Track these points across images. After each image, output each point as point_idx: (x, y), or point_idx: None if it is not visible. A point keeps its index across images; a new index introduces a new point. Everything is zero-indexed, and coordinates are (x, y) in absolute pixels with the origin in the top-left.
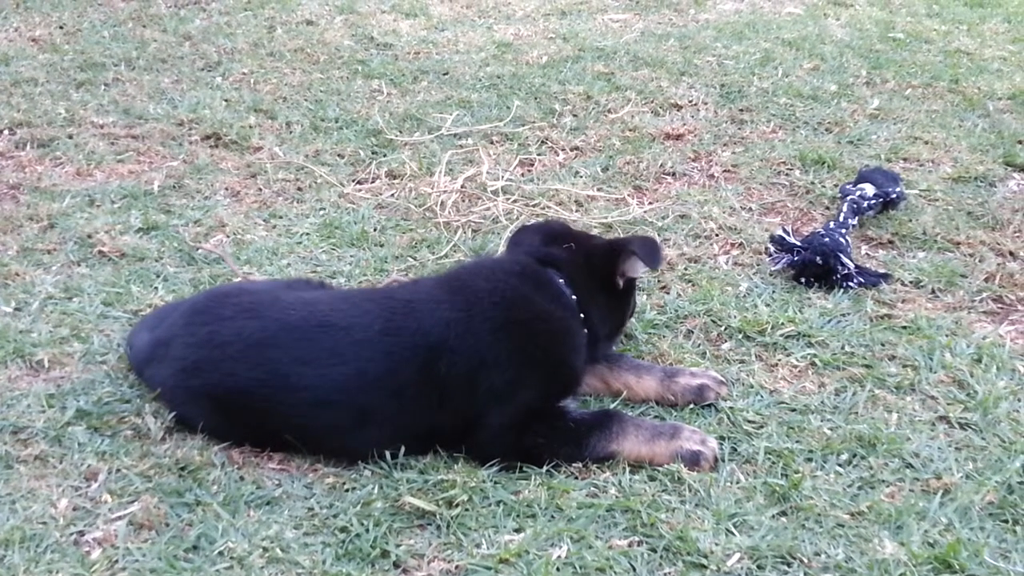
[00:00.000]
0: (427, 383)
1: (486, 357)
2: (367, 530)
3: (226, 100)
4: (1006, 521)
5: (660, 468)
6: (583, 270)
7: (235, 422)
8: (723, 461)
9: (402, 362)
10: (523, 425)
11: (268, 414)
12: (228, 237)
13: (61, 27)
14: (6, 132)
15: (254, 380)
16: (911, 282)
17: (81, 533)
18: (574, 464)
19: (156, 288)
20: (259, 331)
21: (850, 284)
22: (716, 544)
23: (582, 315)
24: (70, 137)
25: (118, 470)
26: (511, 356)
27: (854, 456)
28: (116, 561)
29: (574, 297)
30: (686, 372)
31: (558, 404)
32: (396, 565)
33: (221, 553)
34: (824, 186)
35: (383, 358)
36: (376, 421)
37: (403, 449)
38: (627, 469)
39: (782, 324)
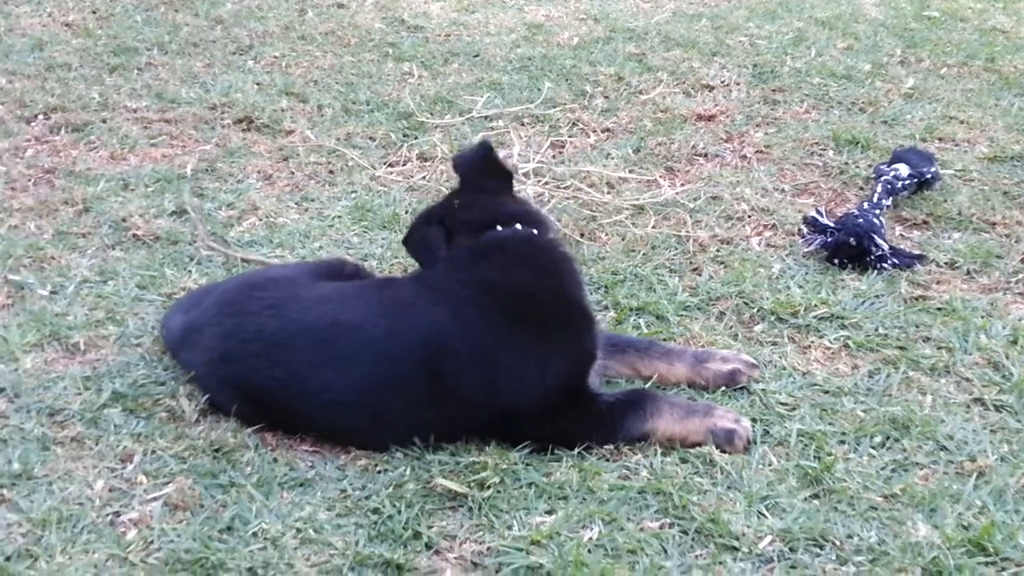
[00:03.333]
0: (436, 381)
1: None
2: (399, 512)
3: (258, 84)
4: None
5: (692, 450)
6: None
7: (262, 412)
8: (755, 443)
9: (408, 363)
10: (554, 409)
11: (289, 412)
12: (260, 220)
13: (94, 12)
14: (41, 117)
15: (274, 379)
16: (946, 263)
17: (117, 514)
18: (608, 446)
19: (190, 271)
20: (279, 331)
21: (884, 265)
22: (748, 526)
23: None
24: (104, 121)
25: (153, 452)
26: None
27: (887, 438)
28: (151, 542)
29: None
30: (717, 356)
31: (586, 384)
32: (428, 546)
33: (255, 534)
34: (858, 166)
35: (390, 359)
36: (390, 421)
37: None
38: (659, 451)
39: (815, 306)
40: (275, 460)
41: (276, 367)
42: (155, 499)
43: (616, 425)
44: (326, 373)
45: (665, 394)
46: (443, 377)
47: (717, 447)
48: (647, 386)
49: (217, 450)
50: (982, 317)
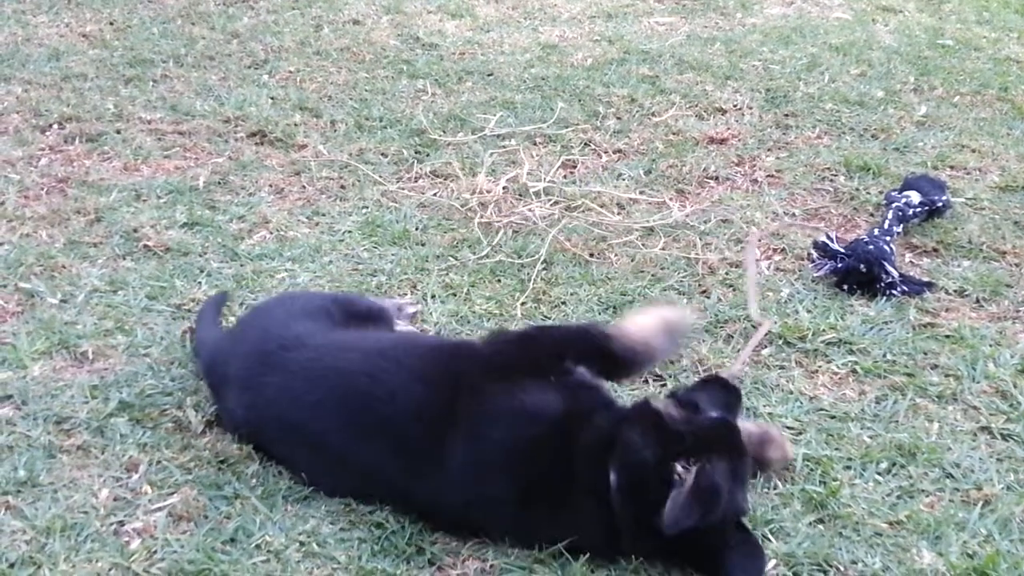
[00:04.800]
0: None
1: None
2: (403, 527)
3: (272, 98)
4: None
5: None
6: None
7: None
8: None
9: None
10: None
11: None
12: (271, 233)
13: (111, 23)
14: (55, 126)
15: (301, 454)
16: (955, 291)
17: (121, 523)
18: None
19: (200, 283)
20: (310, 405)
21: (893, 292)
22: None
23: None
24: (118, 132)
25: (159, 462)
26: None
27: (893, 465)
28: (155, 552)
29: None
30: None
31: None
32: (431, 563)
33: (258, 546)
34: (869, 192)
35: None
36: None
37: None
38: None
39: (823, 331)
40: (280, 472)
41: (306, 441)
42: (159, 509)
43: None
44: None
45: None
46: None
47: None
48: None
49: (222, 461)
50: (990, 345)
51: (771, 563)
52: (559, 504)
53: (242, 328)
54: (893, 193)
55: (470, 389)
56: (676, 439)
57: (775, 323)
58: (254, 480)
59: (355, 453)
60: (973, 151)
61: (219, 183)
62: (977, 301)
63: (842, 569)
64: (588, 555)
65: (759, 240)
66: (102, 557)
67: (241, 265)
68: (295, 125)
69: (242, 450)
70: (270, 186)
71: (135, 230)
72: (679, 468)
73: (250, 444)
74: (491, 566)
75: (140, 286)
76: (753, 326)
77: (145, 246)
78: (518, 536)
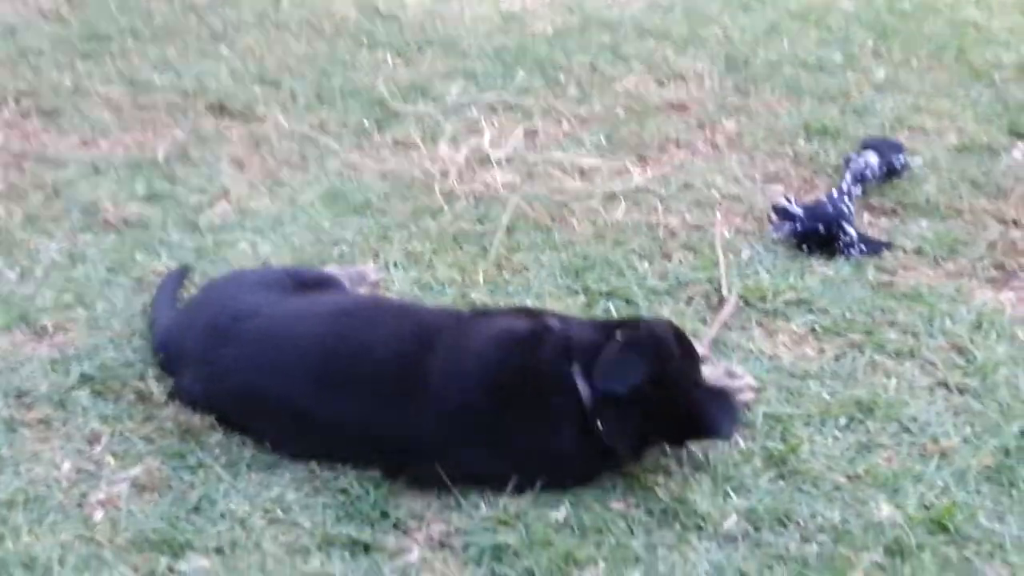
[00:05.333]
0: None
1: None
2: (367, 492)
3: (231, 70)
4: (1002, 485)
5: None
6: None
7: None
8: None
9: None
10: None
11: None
12: (232, 206)
13: None
14: (12, 102)
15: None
16: (913, 250)
17: (84, 495)
18: None
19: (160, 256)
20: (271, 375)
21: (852, 252)
22: (713, 507)
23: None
24: (75, 107)
25: (121, 433)
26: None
27: (852, 420)
28: (119, 522)
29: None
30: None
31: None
32: (396, 526)
33: (223, 514)
34: (828, 155)
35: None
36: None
37: None
38: None
39: (783, 291)
40: (243, 442)
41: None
42: (123, 480)
43: None
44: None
45: None
46: None
47: None
48: None
49: (185, 432)
50: (947, 303)
51: (732, 519)
52: (532, 408)
53: (194, 305)
54: (851, 155)
55: (448, 328)
56: (626, 324)
57: (736, 284)
58: (217, 449)
59: (324, 410)
60: (931, 113)
61: (179, 156)
62: (934, 259)
63: (802, 523)
64: (553, 516)
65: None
66: (66, 529)
67: (202, 237)
68: (255, 97)
69: (204, 420)
70: (230, 158)
71: (94, 204)
72: (618, 334)
73: (212, 415)
74: (456, 528)
75: (100, 260)
76: (721, 298)
77: (104, 220)
78: (493, 456)
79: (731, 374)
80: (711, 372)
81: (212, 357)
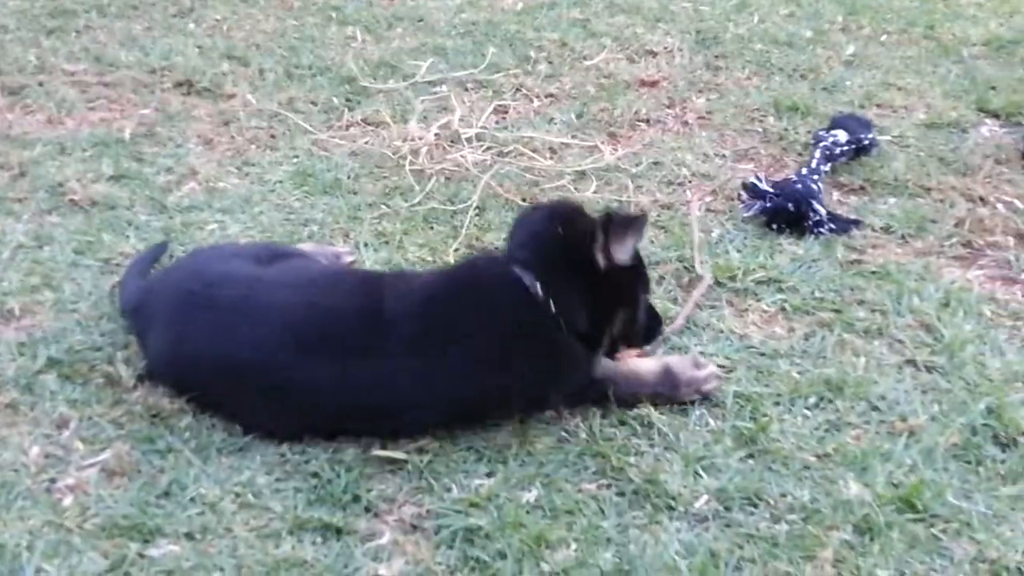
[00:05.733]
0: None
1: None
2: (338, 476)
3: (199, 47)
4: (969, 462)
5: (630, 412)
6: (558, 260)
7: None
8: (693, 405)
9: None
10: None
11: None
12: (200, 185)
13: None
14: None
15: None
16: (881, 228)
17: (53, 480)
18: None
19: (128, 236)
20: (248, 331)
21: (821, 230)
22: (684, 486)
23: (555, 309)
24: (40, 84)
25: (89, 418)
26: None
27: (821, 399)
28: (88, 508)
29: (540, 294)
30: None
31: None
32: (367, 509)
33: (193, 499)
34: (798, 132)
35: (371, 370)
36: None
37: None
38: (598, 414)
39: (753, 270)
40: (213, 425)
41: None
42: (92, 465)
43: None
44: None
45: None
46: None
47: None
48: None
49: (155, 416)
50: (915, 281)
51: (703, 498)
52: (486, 309)
53: (169, 271)
54: (821, 132)
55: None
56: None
57: (707, 265)
58: (187, 433)
59: (297, 375)
60: (899, 89)
61: (146, 135)
62: (903, 237)
63: (772, 502)
64: (524, 498)
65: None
66: (34, 515)
67: (170, 218)
68: (223, 74)
69: (174, 404)
70: (198, 137)
71: (60, 184)
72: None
73: (177, 389)
74: (428, 511)
75: (67, 241)
76: (695, 277)
77: (71, 200)
78: (469, 389)
79: (697, 364)
80: (680, 360)
81: (182, 320)
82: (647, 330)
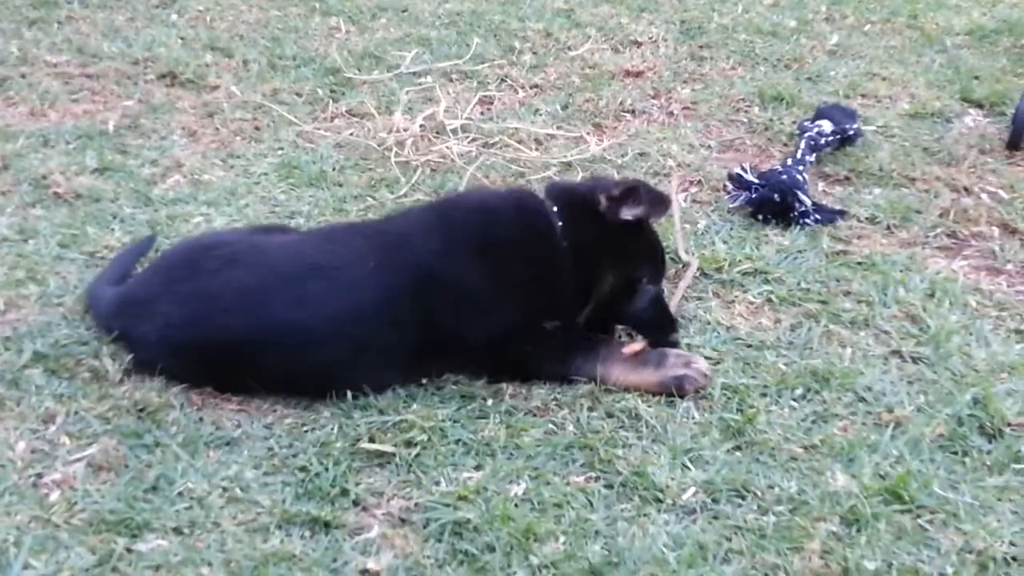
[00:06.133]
0: (420, 310)
1: (467, 281)
2: (326, 469)
3: (182, 38)
4: (955, 453)
5: (617, 405)
6: (578, 201)
7: (225, 374)
8: (681, 397)
9: (397, 294)
10: (507, 340)
11: (265, 362)
12: (185, 178)
13: None
14: None
15: (249, 329)
16: (867, 218)
17: (39, 475)
18: (555, 381)
19: (113, 229)
20: (248, 279)
21: (807, 221)
22: (672, 479)
23: (566, 242)
24: (23, 76)
25: (76, 412)
26: (490, 279)
27: (808, 391)
28: (75, 503)
29: (559, 223)
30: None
31: (542, 325)
32: (356, 503)
33: (181, 494)
34: (782, 123)
35: (379, 292)
36: (372, 352)
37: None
38: (585, 406)
39: (739, 261)
40: (201, 419)
41: (252, 316)
42: (78, 460)
43: (567, 361)
44: (308, 311)
45: (621, 342)
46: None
47: (669, 395)
48: None
49: (142, 410)
50: (901, 271)
51: (690, 491)
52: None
53: (161, 257)
54: (806, 123)
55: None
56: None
57: (693, 255)
58: (174, 428)
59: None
60: (883, 79)
61: (130, 127)
62: (888, 228)
63: (759, 494)
64: (512, 491)
65: (680, 184)
66: (21, 510)
67: (155, 210)
68: (206, 66)
69: (161, 398)
70: (182, 129)
71: (44, 177)
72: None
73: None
74: (416, 504)
75: (51, 234)
76: (682, 265)
77: (55, 193)
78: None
79: (687, 362)
80: (678, 355)
81: (191, 284)
82: (652, 326)
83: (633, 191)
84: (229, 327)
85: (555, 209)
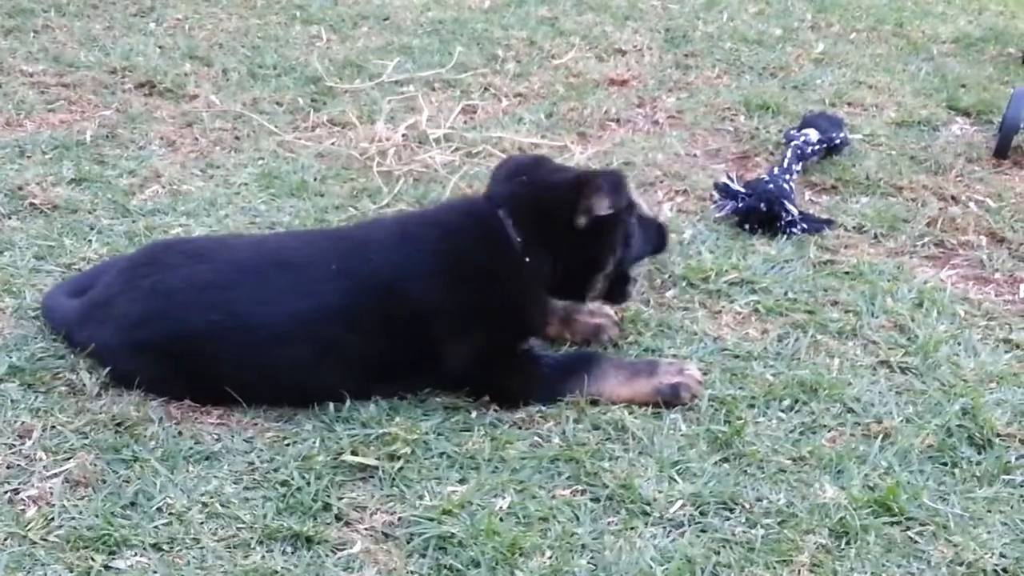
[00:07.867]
0: (383, 320)
1: (431, 301)
2: (308, 484)
3: (160, 47)
4: (945, 464)
5: (604, 417)
6: (535, 209)
7: (185, 373)
8: (668, 408)
9: (359, 300)
10: (482, 364)
11: (223, 358)
12: (164, 188)
13: None
14: None
15: (208, 324)
16: (854, 227)
17: (16, 491)
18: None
19: (90, 241)
20: (210, 273)
21: (793, 230)
22: (659, 492)
23: (528, 258)
24: None
25: (53, 427)
26: (450, 302)
27: (796, 402)
28: (52, 519)
29: (518, 239)
30: (584, 311)
31: (520, 347)
32: (338, 518)
33: (160, 509)
34: (768, 131)
35: (341, 294)
36: (334, 354)
37: (348, 402)
38: (571, 418)
39: (726, 271)
40: (180, 433)
41: (211, 310)
42: (55, 475)
43: (557, 387)
44: (268, 307)
45: (609, 356)
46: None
47: (666, 404)
48: None
49: (119, 424)
50: (888, 281)
51: (678, 503)
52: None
53: (127, 259)
54: (792, 131)
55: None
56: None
57: (678, 265)
58: (153, 442)
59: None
60: (870, 87)
61: (107, 137)
62: (875, 237)
63: (747, 506)
64: (498, 505)
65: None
66: None
67: (133, 222)
68: (185, 75)
69: (140, 411)
70: (161, 139)
71: (20, 188)
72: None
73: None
74: (399, 519)
75: (27, 246)
76: (667, 279)
77: (31, 204)
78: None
79: (680, 370)
80: (669, 363)
81: (158, 277)
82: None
83: (590, 184)
84: (188, 322)
85: (511, 223)
